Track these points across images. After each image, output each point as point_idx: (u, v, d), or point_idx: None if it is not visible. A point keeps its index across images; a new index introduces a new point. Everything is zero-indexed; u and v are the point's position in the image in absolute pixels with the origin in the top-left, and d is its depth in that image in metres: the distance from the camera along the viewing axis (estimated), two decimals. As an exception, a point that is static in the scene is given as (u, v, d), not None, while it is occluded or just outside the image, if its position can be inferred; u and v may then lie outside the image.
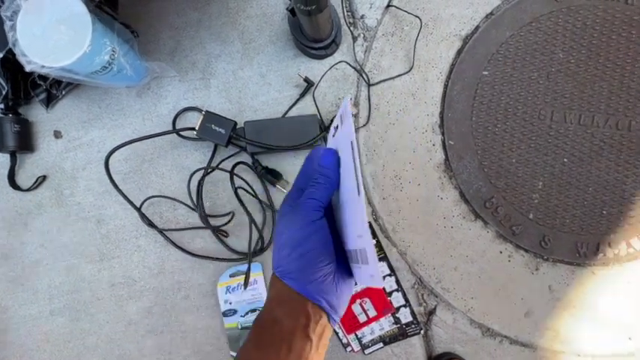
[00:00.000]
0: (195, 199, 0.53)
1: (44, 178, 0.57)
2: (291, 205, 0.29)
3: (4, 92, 0.53)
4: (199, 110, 0.55)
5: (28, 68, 0.41)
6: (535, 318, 0.53)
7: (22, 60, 0.41)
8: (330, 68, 0.54)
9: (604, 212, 0.53)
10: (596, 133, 0.53)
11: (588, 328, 0.52)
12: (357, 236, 0.26)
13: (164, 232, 0.55)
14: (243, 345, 0.28)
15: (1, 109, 0.54)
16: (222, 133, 0.51)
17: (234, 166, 0.50)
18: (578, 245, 0.53)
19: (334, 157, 0.29)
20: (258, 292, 0.54)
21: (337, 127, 0.31)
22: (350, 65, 0.54)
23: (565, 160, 0.54)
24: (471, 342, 0.54)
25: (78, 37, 0.41)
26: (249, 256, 0.51)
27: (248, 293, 0.54)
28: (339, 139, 0.30)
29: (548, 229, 0.54)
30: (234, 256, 0.54)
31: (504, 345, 0.54)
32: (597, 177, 0.53)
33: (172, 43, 0.56)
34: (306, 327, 0.26)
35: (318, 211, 0.28)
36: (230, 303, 0.54)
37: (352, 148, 0.26)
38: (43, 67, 0.41)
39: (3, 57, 0.49)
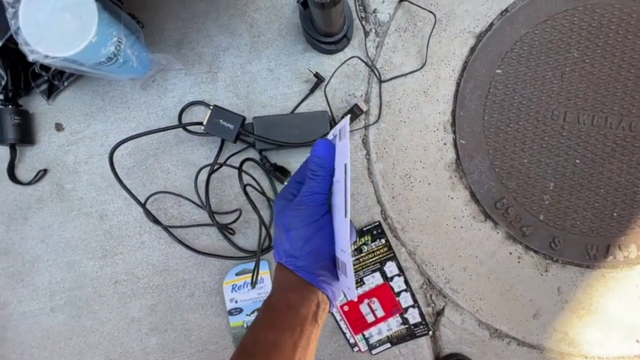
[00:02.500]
0: (202, 195, 0.52)
1: (45, 171, 0.55)
2: (288, 198, 0.30)
3: (3, 82, 0.51)
4: (206, 104, 0.54)
5: (31, 58, 0.39)
6: (543, 320, 0.53)
7: (24, 49, 0.39)
8: (342, 64, 0.53)
9: (615, 214, 0.53)
10: (609, 135, 0.53)
11: (596, 330, 0.52)
12: (340, 249, 0.27)
13: (169, 228, 0.53)
14: (254, 327, 0.29)
15: (1, 100, 0.52)
16: (231, 129, 0.49)
17: (242, 163, 0.49)
18: (588, 247, 0.53)
19: (331, 147, 0.30)
20: (264, 290, 0.54)
21: (336, 135, 0.31)
22: (362, 61, 0.53)
23: (577, 161, 0.53)
24: (478, 343, 0.53)
25: (84, 26, 0.39)
26: (258, 254, 0.50)
27: (254, 292, 0.53)
28: (337, 148, 0.30)
29: (558, 231, 0.53)
30: (241, 254, 0.53)
31: (512, 346, 0.53)
32: (609, 179, 0.53)
33: (178, 35, 0.54)
34: (316, 313, 0.28)
35: (324, 205, 0.29)
36: (236, 301, 0.53)
37: (345, 171, 0.27)
38: (46, 57, 0.39)
39: (3, 45, 0.47)
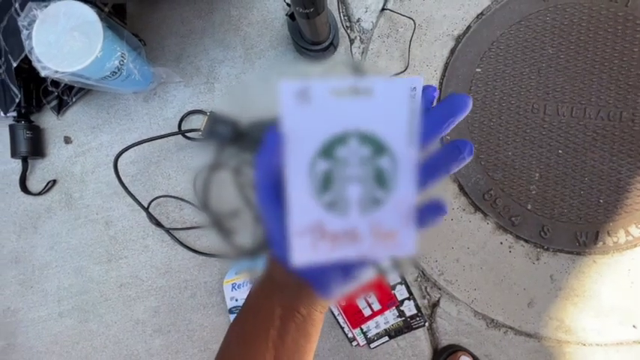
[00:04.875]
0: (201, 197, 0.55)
1: (54, 182, 0.58)
2: None
3: (17, 100, 0.55)
4: (204, 113, 0.57)
5: (43, 73, 0.43)
6: (538, 308, 0.53)
7: (37, 66, 0.43)
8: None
9: (601, 201, 0.54)
10: (589, 125, 0.55)
11: (592, 316, 0.53)
12: None
13: (171, 231, 0.56)
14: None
15: (14, 116, 0.56)
16: (228, 133, 0.53)
17: (238, 164, 0.51)
18: (578, 234, 0.54)
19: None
20: (263, 288, 0.55)
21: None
22: (348, 66, 0.57)
23: (560, 151, 0.55)
24: (475, 333, 0.54)
25: (90, 44, 0.43)
26: (253, 252, 0.52)
27: (254, 290, 0.55)
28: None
29: (547, 219, 0.55)
30: (240, 253, 0.55)
31: (509, 336, 0.54)
32: (592, 167, 0.55)
33: (178, 50, 0.59)
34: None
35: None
36: (236, 300, 0.55)
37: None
38: (56, 72, 0.43)
39: (17, 66, 0.51)
